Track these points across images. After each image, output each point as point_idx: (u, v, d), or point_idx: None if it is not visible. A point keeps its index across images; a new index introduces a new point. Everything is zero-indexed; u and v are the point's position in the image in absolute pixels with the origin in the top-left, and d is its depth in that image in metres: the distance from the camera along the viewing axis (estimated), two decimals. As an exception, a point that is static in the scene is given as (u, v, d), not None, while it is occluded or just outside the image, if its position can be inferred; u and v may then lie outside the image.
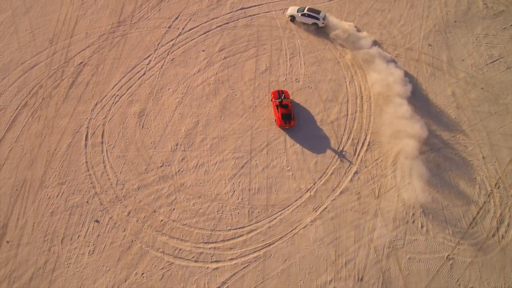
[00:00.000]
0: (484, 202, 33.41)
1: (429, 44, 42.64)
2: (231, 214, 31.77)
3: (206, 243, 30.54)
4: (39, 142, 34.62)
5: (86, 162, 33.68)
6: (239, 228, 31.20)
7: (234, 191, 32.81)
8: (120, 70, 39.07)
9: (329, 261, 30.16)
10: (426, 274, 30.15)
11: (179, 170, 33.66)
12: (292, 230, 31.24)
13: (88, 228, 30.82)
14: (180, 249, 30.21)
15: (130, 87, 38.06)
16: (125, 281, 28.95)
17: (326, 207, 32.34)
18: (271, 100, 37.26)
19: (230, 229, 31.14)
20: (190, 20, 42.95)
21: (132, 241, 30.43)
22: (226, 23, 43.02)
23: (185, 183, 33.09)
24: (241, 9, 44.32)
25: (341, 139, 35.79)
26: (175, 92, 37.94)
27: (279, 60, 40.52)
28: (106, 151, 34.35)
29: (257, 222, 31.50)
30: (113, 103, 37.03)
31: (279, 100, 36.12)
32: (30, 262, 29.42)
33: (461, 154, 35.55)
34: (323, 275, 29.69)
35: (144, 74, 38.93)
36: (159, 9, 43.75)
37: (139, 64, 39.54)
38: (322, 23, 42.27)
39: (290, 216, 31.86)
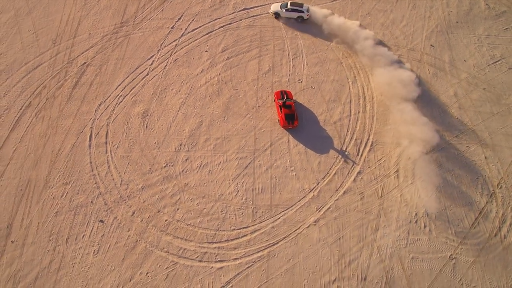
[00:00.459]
0: (487, 202, 33.58)
1: (431, 45, 42.79)
2: (235, 214, 31.92)
3: (210, 243, 30.68)
4: (43, 143, 34.74)
5: (90, 162, 33.81)
6: (243, 228, 31.35)
7: (238, 191, 32.96)
8: (123, 70, 39.19)
9: (332, 261, 30.32)
10: (429, 274, 30.31)
11: (183, 170, 33.80)
12: (296, 230, 31.40)
13: (92, 228, 30.96)
14: (185, 249, 30.36)
15: (134, 87, 38.19)
16: (130, 280, 29.10)
17: (329, 207, 32.51)
18: (274, 101, 37.41)
19: (234, 229, 31.29)
20: (193, 20, 43.08)
21: (137, 241, 30.57)
22: (229, 24, 43.15)
23: (189, 183, 33.23)
24: (244, 9, 44.45)
25: (344, 140, 35.95)
26: (178, 93, 38.07)
27: (282, 61, 40.67)
28: (110, 151, 34.48)
29: (261, 222, 31.66)
30: (116, 103, 37.15)
31: (283, 100, 36.26)
32: (35, 261, 29.56)
33: (463, 154, 35.72)
34: (327, 274, 29.86)
35: (147, 74, 39.06)
36: (162, 10, 43.87)
37: (142, 64, 39.66)
38: (307, 15, 42.87)
39: (294, 216, 32.02)
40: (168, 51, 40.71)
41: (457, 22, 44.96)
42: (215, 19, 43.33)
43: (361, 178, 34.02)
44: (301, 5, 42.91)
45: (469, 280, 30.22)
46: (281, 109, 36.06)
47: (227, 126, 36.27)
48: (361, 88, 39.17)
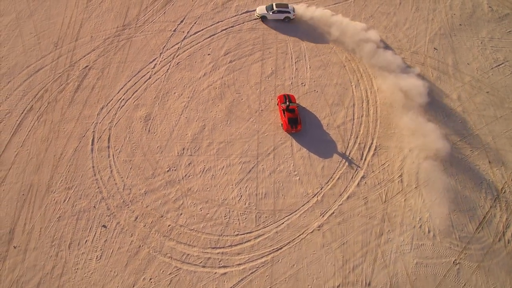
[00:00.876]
0: (490, 207, 33.47)
1: (434, 48, 42.63)
2: (238, 219, 31.77)
3: (213, 248, 30.55)
4: (45, 147, 34.56)
5: (93, 167, 33.65)
6: (247, 233, 31.21)
7: (241, 196, 32.82)
8: (125, 73, 39.00)
9: (336, 266, 30.20)
10: (433, 279, 30.21)
11: (186, 175, 33.65)
12: (300, 235, 31.27)
13: (95, 233, 30.81)
14: (188, 254, 30.22)
15: (136, 91, 38.01)
16: (133, 286, 28.95)
17: (333, 212, 32.38)
18: (277, 104, 37.25)
19: (238, 234, 31.15)
20: (195, 23, 42.88)
21: (140, 246, 30.43)
22: (231, 27, 42.97)
23: (192, 187, 33.08)
24: (246, 12, 44.23)
25: (348, 144, 35.81)
26: (181, 96, 37.89)
27: (284, 64, 40.50)
28: (113, 155, 34.31)
29: (265, 227, 31.52)
30: (119, 107, 36.98)
31: (286, 104, 36.10)
32: (37, 267, 29.41)
33: (467, 158, 35.59)
34: (331, 280, 29.73)
35: (149, 78, 38.88)
36: (164, 12, 43.67)
37: (145, 67, 39.48)
38: (294, 15, 43.04)
39: (298, 221, 31.89)
40: (171, 54, 40.53)
41: (460, 24, 44.80)
42: (218, 22, 43.14)
43: (365, 182, 33.88)
44: (286, 6, 43.06)
45: (473, 285, 30.13)
46: (284, 113, 35.91)
47: (230, 130, 36.11)
48: (365, 91, 39.02)
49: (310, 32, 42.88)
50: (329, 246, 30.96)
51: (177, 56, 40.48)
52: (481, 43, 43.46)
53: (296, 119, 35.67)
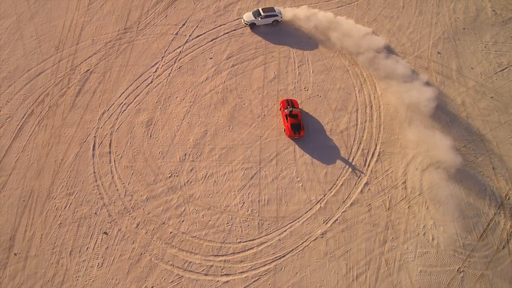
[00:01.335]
0: (494, 214, 33.21)
1: (438, 52, 42.33)
2: (241, 226, 31.52)
3: (216, 256, 30.29)
4: (46, 152, 34.28)
5: (94, 173, 33.37)
6: (249, 240, 30.96)
7: (244, 202, 32.55)
8: (127, 78, 38.70)
9: (340, 275, 29.95)
10: (437, 287, 29.96)
11: (188, 181, 33.37)
12: (303, 242, 31.01)
13: (96, 240, 30.54)
14: (190, 262, 29.96)
15: (138, 95, 37.71)
16: (135, 294, 28.74)
17: (336, 219, 32.12)
18: (280, 109, 36.96)
19: (240, 242, 30.89)
20: (197, 26, 42.56)
21: (142, 253, 30.17)
22: (234, 30, 42.63)
23: (194, 194, 32.80)
24: (249, 15, 43.90)
25: (351, 150, 35.54)
26: (183, 101, 37.59)
27: (287, 68, 40.19)
28: (114, 161, 34.03)
29: (267, 235, 31.27)
30: (120, 111, 36.68)
31: (289, 110, 35.80)
32: (38, 274, 29.14)
33: (471, 165, 35.32)
34: (334, 288, 29.52)
35: (151, 82, 38.58)
36: (166, 15, 43.34)
37: (146, 71, 39.17)
38: (281, 17, 42.59)
39: (301, 228, 31.63)
40: (172, 58, 40.22)
41: (464, 28, 44.49)
42: (220, 25, 42.82)
43: (368, 189, 33.61)
44: (273, 9, 42.56)
45: (477, 294, 29.93)
46: (287, 118, 35.61)
47: (232, 136, 35.82)
48: (368, 96, 38.73)
49: (313, 36, 42.56)
50: (332, 254, 30.71)
51: (179, 60, 40.18)
52: (485, 47, 43.15)
53: (299, 125, 35.38)
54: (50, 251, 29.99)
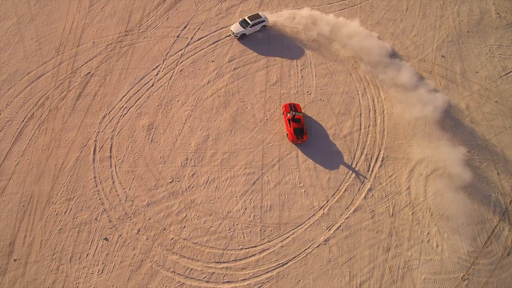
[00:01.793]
0: (499, 220, 32.83)
1: (442, 55, 41.92)
2: (243, 233, 31.15)
3: (217, 262, 29.93)
4: (46, 156, 33.92)
5: (95, 177, 33.01)
6: (251, 247, 30.59)
7: (246, 208, 32.18)
8: (128, 81, 38.32)
9: (343, 282, 29.57)
10: (442, 295, 29.65)
11: (189, 186, 33.00)
12: (306, 249, 30.64)
13: (97, 246, 30.18)
14: (191, 269, 29.60)
15: (139, 99, 37.33)
16: (136, 302, 28.40)
17: (339, 226, 31.74)
18: (283, 114, 36.57)
19: (242, 248, 30.53)
20: (199, 29, 42.16)
21: (142, 260, 29.81)
22: (236, 33, 42.21)
23: (195, 199, 32.44)
24: (251, 17, 43.49)
25: (355, 155, 35.14)
26: (184, 105, 37.21)
27: (290, 72, 39.79)
28: (115, 166, 33.67)
29: (270, 241, 30.89)
30: (121, 115, 36.31)
31: (292, 114, 35.41)
32: (38, 281, 28.79)
33: (475, 170, 34.91)
34: (337, 296, 29.16)
35: (152, 85, 38.19)
36: (167, 18, 42.93)
37: (148, 75, 38.79)
38: (267, 22, 41.85)
39: (303, 235, 31.25)
40: (174, 61, 39.82)
41: (468, 31, 44.08)
42: (222, 28, 42.40)
43: (372, 195, 33.23)
44: (258, 15, 41.52)
45: (482, 302, 29.57)
46: (290, 123, 35.22)
47: (234, 140, 35.44)
48: (371, 100, 38.33)
49: (316, 39, 42.10)
50: (335, 261, 30.34)
51: (180, 63, 39.79)
52: (489, 50, 42.74)
53: (302, 129, 34.99)
54: (50, 257, 29.64)
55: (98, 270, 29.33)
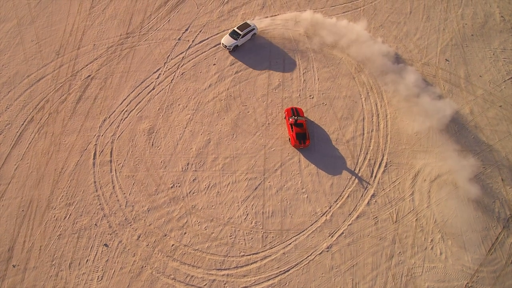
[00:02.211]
0: (503, 227, 32.45)
1: (446, 59, 41.50)
2: (244, 239, 30.79)
3: (218, 269, 29.58)
4: (46, 160, 33.58)
5: (95, 182, 32.66)
6: (253, 254, 30.23)
7: (247, 214, 31.81)
8: (128, 84, 37.95)
9: (345, 290, 29.24)
10: (445, 304, 29.28)
11: (190, 192, 32.64)
12: (308, 256, 30.27)
13: (96, 252, 29.84)
14: (192, 276, 29.25)
15: (139, 102, 36.97)
16: (136, 309, 28.06)
17: (342, 232, 31.37)
18: (285, 118, 36.18)
19: (244, 255, 30.17)
20: (200, 32, 41.77)
21: (142, 266, 29.47)
22: (238, 35, 41.81)
23: (196, 205, 32.08)
24: (253, 20, 42.99)
25: (358, 160, 34.76)
26: (185, 108, 36.84)
27: (292, 75, 39.41)
28: (115, 170, 33.32)
29: (272, 248, 30.53)
30: (121, 119, 35.95)
31: (294, 118, 35.03)
32: (37, 287, 28.45)
33: (479, 176, 34.51)
34: (340, 304, 28.79)
35: (153, 88, 37.82)
36: (169, 20, 42.54)
37: (148, 78, 38.42)
38: (257, 29, 41.08)
39: (306, 241, 30.88)
40: (175, 64, 39.45)
41: (472, 35, 43.64)
42: (224, 31, 41.99)
43: (375, 201, 32.85)
44: (247, 25, 40.55)
45: (486, 310, 29.19)
46: (292, 127, 34.85)
47: (235, 145, 35.06)
48: (374, 105, 37.92)
49: (318, 42, 41.66)
50: (338, 268, 29.97)
51: (181, 66, 39.41)
52: (494, 54, 42.31)
53: (305, 134, 34.62)
54: (49, 263, 29.31)
55: (98, 276, 28.99)
